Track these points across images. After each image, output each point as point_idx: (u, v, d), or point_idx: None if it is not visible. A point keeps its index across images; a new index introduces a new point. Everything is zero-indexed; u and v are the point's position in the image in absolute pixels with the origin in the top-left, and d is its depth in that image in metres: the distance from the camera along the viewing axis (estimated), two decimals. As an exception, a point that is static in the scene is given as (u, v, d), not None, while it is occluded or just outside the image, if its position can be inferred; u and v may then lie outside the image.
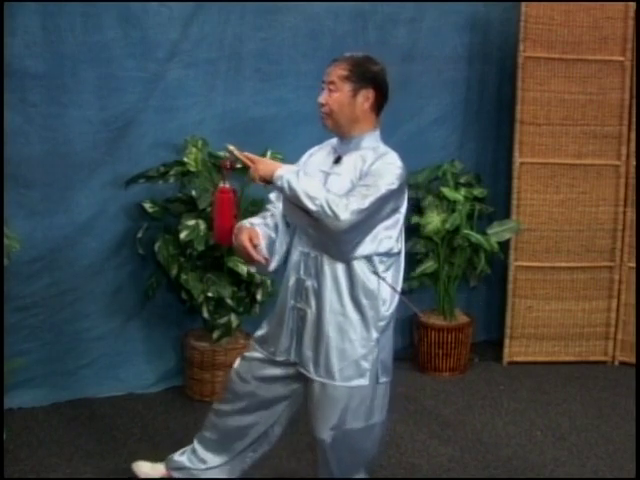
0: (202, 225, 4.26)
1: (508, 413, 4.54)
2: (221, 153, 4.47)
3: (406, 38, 5.17)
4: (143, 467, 3.55)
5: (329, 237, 2.90)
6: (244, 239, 3.01)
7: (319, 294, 3.01)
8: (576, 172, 5.19)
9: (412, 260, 5.14)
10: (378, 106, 3.07)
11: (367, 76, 3.00)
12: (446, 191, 4.98)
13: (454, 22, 5.29)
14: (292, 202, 2.90)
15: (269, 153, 4.40)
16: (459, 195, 4.98)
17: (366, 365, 3.03)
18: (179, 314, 4.75)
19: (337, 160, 3.07)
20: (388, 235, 2.99)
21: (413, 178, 5.17)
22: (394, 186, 2.90)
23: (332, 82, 2.99)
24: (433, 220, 4.95)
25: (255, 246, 3.01)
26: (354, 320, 3.00)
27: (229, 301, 4.38)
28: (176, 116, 4.55)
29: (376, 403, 3.11)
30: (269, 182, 2.92)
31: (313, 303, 3.04)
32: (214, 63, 4.60)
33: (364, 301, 3.00)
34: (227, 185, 3.10)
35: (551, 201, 5.21)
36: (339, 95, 2.98)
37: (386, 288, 3.02)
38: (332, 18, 4.91)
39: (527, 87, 5.09)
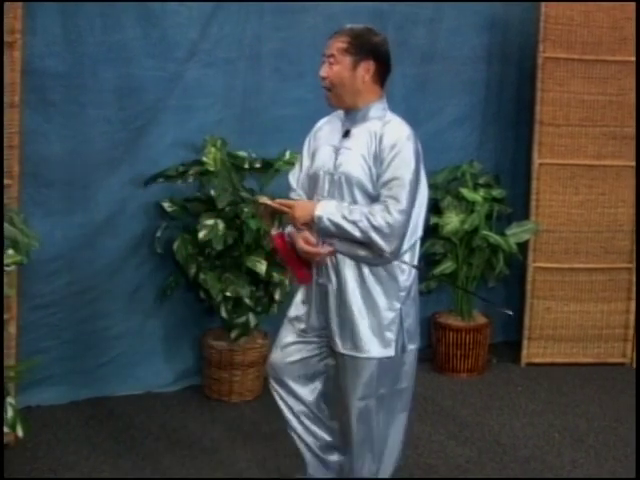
0: (220, 225, 4.27)
1: (526, 414, 4.53)
2: (240, 153, 4.50)
3: (425, 38, 5.17)
4: None
5: (381, 248, 2.89)
6: (302, 245, 3.02)
7: (338, 269, 3.02)
8: (595, 173, 5.17)
9: (430, 260, 5.14)
10: (380, 77, 3.04)
11: (367, 48, 2.98)
12: (465, 192, 4.97)
13: (473, 22, 5.29)
14: (338, 236, 2.94)
15: (288, 153, 4.43)
16: (478, 196, 4.97)
17: (390, 336, 3.03)
18: (197, 313, 4.76)
19: (346, 134, 3.05)
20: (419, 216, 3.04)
21: (432, 179, 5.15)
22: (413, 165, 2.92)
23: (332, 55, 2.98)
24: (452, 221, 4.94)
25: (312, 244, 3.03)
26: (375, 292, 3.01)
27: (247, 300, 4.39)
28: (195, 116, 4.56)
29: (404, 369, 3.13)
30: (310, 225, 2.96)
31: (333, 278, 3.04)
32: (233, 63, 4.61)
33: (383, 273, 3.00)
34: (274, 231, 3.16)
35: (570, 202, 5.19)
36: (339, 68, 2.97)
37: (404, 258, 3.02)
38: (351, 18, 4.85)
39: (546, 88, 5.07)
